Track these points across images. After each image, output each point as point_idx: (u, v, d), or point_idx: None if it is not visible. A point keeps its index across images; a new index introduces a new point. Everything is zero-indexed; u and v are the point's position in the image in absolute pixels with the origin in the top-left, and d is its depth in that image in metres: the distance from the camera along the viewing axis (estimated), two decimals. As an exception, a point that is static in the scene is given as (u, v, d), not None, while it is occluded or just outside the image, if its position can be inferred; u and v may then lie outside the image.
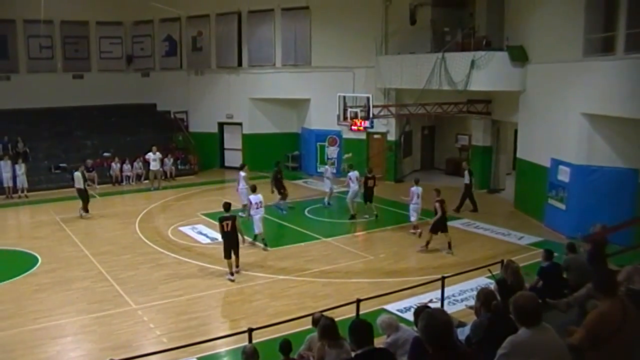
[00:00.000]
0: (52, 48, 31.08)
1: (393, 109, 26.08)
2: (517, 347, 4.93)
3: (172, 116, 32.82)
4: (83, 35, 31.91)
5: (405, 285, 12.57)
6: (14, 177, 25.14)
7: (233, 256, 14.96)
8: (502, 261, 10.53)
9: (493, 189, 25.44)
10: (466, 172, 21.84)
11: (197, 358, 10.47)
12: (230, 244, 14.88)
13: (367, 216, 21.18)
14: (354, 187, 21.33)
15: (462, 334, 7.96)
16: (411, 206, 18.95)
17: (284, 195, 21.77)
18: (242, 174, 20.79)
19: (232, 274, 14.84)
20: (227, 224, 14.77)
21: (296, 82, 29.30)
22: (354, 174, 21.53)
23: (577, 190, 17.85)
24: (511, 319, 7.54)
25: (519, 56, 21.07)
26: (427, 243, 17.08)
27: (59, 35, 31.15)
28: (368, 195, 21.17)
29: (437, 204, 16.87)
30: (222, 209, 15.51)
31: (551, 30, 19.21)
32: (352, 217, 21.23)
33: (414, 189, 18.98)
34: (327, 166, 24.82)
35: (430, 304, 12.05)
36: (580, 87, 17.63)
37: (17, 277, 15.17)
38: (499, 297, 8.14)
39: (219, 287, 14.45)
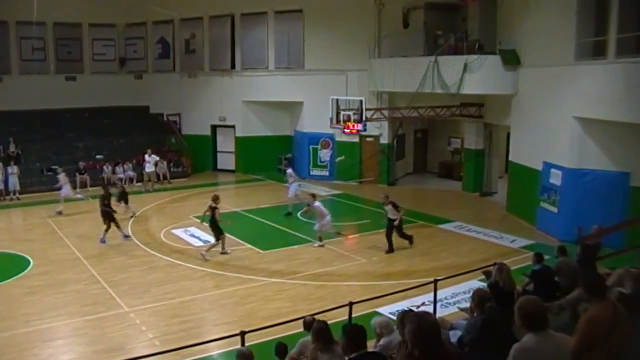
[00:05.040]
0: (45, 50, 31.01)
1: (386, 112, 26.13)
2: (524, 354, 4.92)
3: (165, 118, 32.78)
4: (76, 37, 31.84)
5: (398, 288, 12.59)
6: (6, 179, 25.06)
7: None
8: (494, 264, 10.56)
9: (485, 192, 25.51)
10: (389, 206, 17.33)
11: (189, 361, 10.47)
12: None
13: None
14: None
15: (454, 336, 7.99)
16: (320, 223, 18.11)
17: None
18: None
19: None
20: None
21: (289, 85, 29.32)
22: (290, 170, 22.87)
23: (569, 194, 17.92)
24: (504, 321, 7.60)
25: (512, 60, 21.15)
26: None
27: (52, 37, 31.08)
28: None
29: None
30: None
31: (543, 34, 19.29)
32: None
33: (317, 204, 18.30)
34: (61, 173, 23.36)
35: (422, 307, 12.15)
36: (572, 90, 17.72)
37: (9, 280, 15.12)
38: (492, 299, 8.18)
39: (212, 290, 14.46)
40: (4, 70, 30.01)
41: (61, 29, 31.27)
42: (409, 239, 17.84)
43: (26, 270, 15.91)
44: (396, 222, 17.30)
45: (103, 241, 18.29)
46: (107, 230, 18.37)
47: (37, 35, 30.12)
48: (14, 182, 25.09)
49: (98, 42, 32.53)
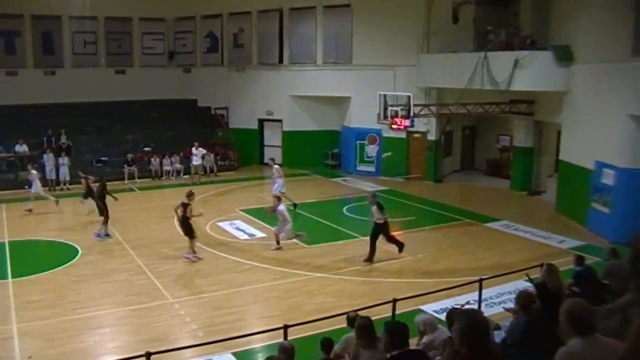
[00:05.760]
0: (96, 44, 31.65)
1: (434, 108, 25.82)
2: (569, 359, 4.76)
3: (213, 112, 33.11)
4: (126, 31, 32.40)
5: (442, 286, 12.43)
6: (57, 170, 25.69)
7: None
8: (541, 264, 10.31)
9: (534, 191, 25.01)
10: (374, 206, 16.08)
11: (232, 353, 10.52)
12: None
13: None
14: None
15: (499, 336, 7.84)
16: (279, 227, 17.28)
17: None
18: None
19: None
20: None
21: (337, 80, 29.23)
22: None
23: (621, 194, 17.45)
24: (550, 323, 7.42)
25: (565, 56, 20.64)
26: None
27: (103, 31, 31.71)
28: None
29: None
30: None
31: (599, 29, 18.77)
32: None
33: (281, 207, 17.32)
34: (32, 170, 22.57)
35: (467, 306, 11.95)
36: (627, 87, 17.22)
37: (58, 268, 15.48)
38: (537, 301, 8.00)
39: (256, 283, 14.50)
40: (57, 63, 30.70)
41: (112, 23, 31.83)
42: (400, 245, 16.37)
43: (75, 259, 16.26)
44: (381, 222, 15.95)
45: (107, 235, 18.19)
46: (105, 222, 18.36)
47: (89, 29, 30.96)
48: (64, 172, 25.76)
49: (148, 36, 33.02)
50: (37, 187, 21.90)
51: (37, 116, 28.97)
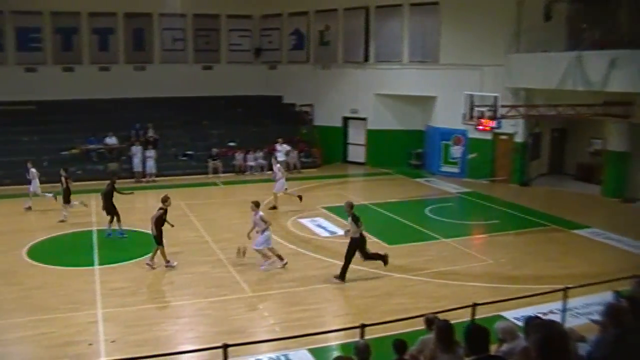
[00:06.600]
0: (184, 40, 32.50)
1: (522, 109, 25.05)
2: None
3: (298, 109, 33.29)
4: (214, 28, 33.08)
5: (524, 293, 12.03)
6: (144, 163, 26.46)
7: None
8: (632, 276, 9.77)
9: (628, 198, 23.89)
10: (350, 219, 14.46)
11: (307, 349, 10.51)
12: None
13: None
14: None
15: (583, 349, 7.47)
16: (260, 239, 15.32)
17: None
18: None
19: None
20: None
21: (423, 79, 28.82)
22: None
23: None
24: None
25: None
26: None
27: (191, 28, 32.53)
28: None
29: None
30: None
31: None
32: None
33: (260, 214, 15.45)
34: (32, 169, 21.81)
35: (550, 315, 11.51)
36: None
37: (142, 257, 15.86)
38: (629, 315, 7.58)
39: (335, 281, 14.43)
40: (147, 59, 31.75)
41: (200, 20, 32.63)
42: (382, 258, 14.79)
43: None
44: (356, 236, 14.22)
45: (122, 233, 18.19)
46: (118, 220, 18.20)
47: (178, 26, 31.95)
48: (150, 165, 26.53)
49: (234, 32, 33.62)
50: (35, 185, 21.46)
51: (127, 110, 29.97)
